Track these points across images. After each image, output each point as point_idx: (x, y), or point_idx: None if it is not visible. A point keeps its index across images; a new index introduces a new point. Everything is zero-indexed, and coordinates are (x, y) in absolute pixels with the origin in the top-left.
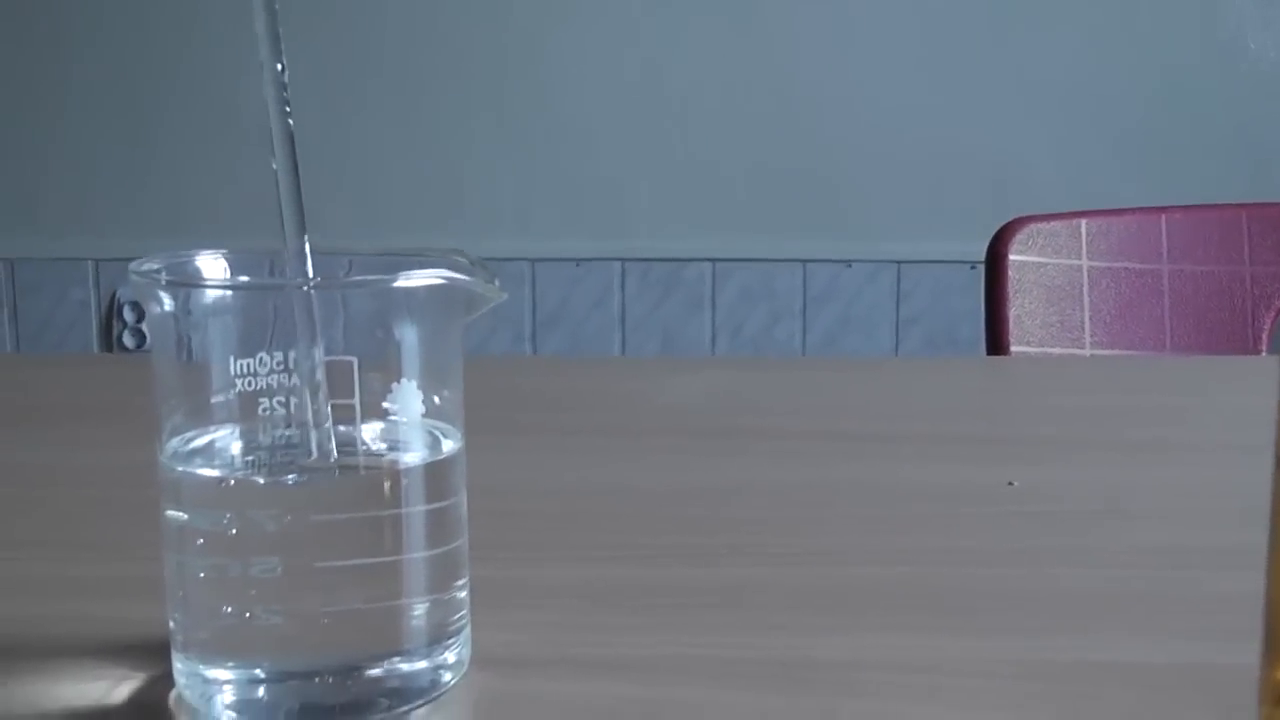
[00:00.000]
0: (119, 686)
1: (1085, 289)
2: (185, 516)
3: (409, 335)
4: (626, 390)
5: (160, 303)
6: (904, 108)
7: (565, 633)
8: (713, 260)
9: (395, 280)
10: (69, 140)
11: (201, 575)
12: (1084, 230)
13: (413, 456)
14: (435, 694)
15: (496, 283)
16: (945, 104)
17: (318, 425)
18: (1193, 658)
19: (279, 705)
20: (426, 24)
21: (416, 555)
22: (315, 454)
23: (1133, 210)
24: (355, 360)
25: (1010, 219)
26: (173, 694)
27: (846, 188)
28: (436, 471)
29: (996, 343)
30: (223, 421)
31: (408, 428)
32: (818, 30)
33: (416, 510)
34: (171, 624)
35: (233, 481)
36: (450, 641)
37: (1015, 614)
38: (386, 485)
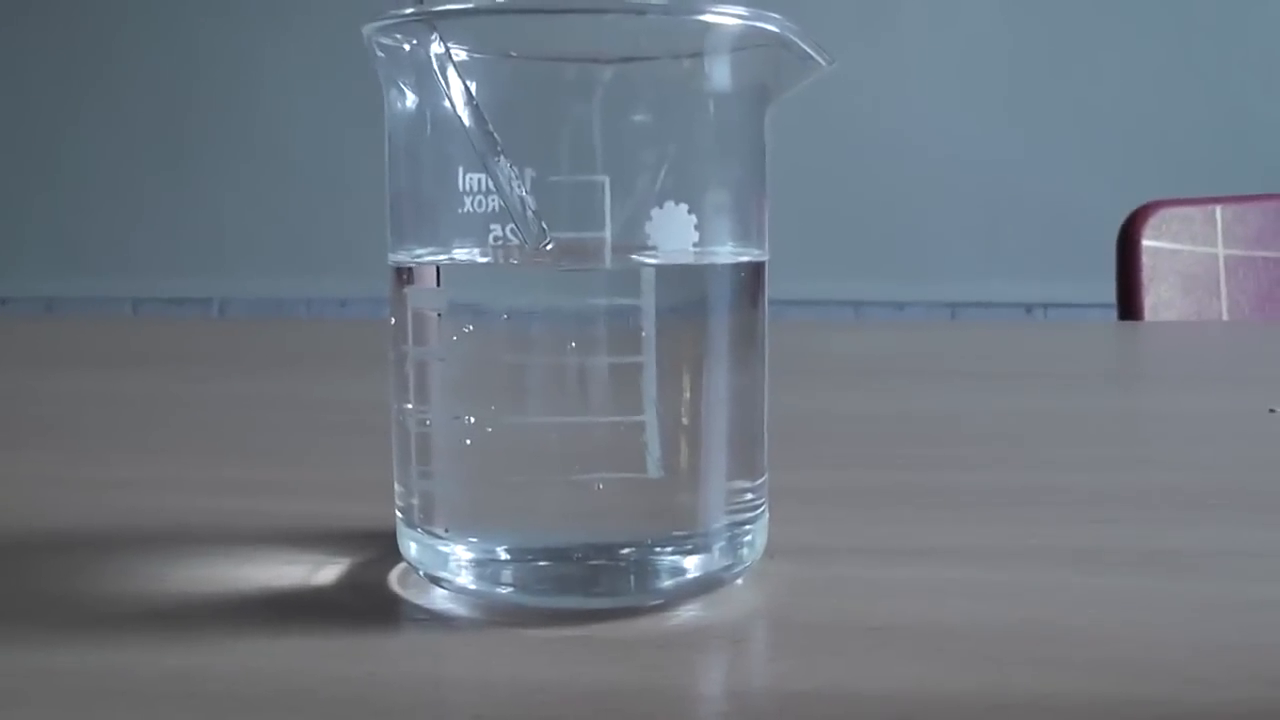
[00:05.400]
0: (321, 569)
1: (1221, 277)
2: (418, 341)
3: (707, 117)
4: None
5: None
6: (959, 148)
7: (864, 526)
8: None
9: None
10: (199, 187)
11: (439, 423)
12: (1219, 216)
13: (719, 258)
14: (722, 584)
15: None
16: (1000, 145)
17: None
18: None
19: (536, 582)
20: None
21: (715, 402)
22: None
23: (1270, 196)
24: (606, 179)
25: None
26: (394, 571)
27: (900, 229)
28: (744, 275)
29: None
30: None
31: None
32: (874, 69)
33: (718, 324)
34: (399, 490)
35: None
36: (748, 527)
37: None
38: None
